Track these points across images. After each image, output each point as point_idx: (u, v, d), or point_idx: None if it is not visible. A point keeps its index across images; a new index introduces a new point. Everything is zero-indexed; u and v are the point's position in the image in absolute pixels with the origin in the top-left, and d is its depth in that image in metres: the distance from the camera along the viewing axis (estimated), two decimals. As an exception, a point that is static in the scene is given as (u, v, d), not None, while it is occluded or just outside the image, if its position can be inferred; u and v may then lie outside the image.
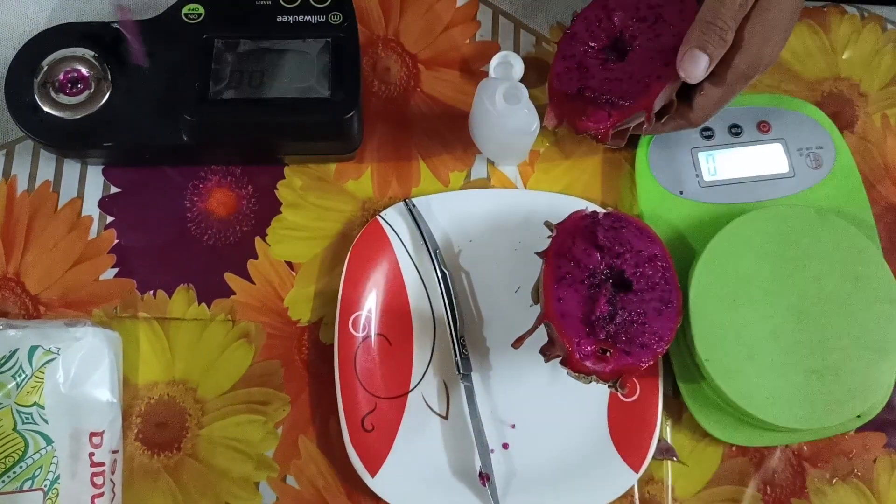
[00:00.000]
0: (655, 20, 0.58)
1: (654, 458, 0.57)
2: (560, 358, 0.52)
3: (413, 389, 0.59)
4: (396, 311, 0.60)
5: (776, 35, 0.54)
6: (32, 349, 0.52)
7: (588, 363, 0.51)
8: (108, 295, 0.60)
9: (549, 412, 0.59)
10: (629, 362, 0.51)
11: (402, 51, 0.67)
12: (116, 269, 0.61)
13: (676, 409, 0.60)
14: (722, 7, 0.52)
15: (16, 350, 0.52)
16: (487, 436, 0.57)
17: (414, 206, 0.61)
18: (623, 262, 0.54)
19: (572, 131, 0.59)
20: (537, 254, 0.55)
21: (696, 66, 0.53)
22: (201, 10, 0.61)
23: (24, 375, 0.52)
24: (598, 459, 0.58)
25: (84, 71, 0.60)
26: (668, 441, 0.59)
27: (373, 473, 0.56)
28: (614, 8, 0.60)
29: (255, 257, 0.62)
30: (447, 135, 0.65)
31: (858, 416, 0.57)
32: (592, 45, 0.60)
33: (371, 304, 0.60)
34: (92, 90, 0.59)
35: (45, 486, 0.51)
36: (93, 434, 0.53)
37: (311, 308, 0.61)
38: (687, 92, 0.58)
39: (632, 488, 0.58)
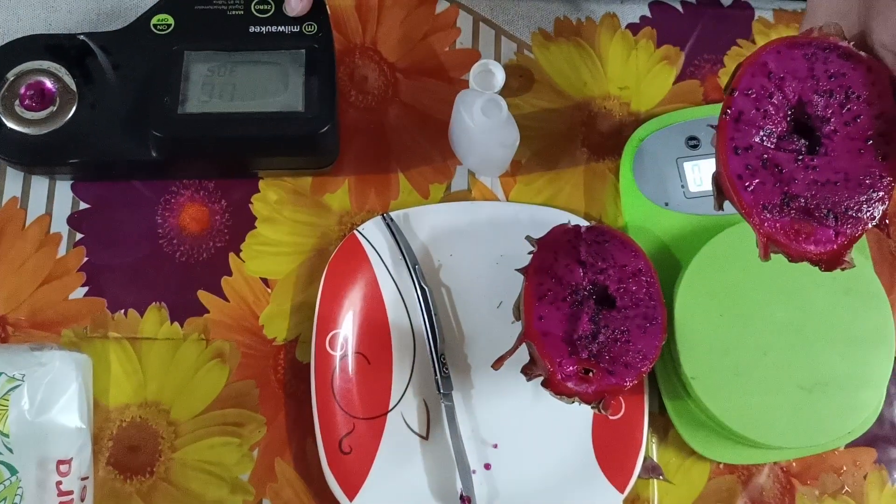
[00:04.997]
0: (846, 96, 0.43)
1: (639, 477, 0.57)
2: (542, 378, 0.51)
3: (392, 409, 0.57)
4: (375, 329, 0.59)
5: None
6: (-5, 376, 0.51)
7: (570, 384, 0.50)
8: (78, 315, 0.59)
9: (532, 431, 0.58)
10: (612, 382, 0.50)
11: (380, 59, 0.66)
12: (86, 288, 0.59)
13: (663, 426, 0.59)
14: None
15: (-22, 377, 0.51)
16: (469, 456, 0.56)
17: (392, 220, 0.60)
18: (606, 278, 0.53)
19: (785, 256, 0.44)
20: (518, 270, 0.54)
21: None
22: (171, 20, 0.59)
23: (-14, 404, 0.50)
24: (582, 479, 0.57)
25: (49, 84, 0.58)
26: (654, 459, 0.58)
27: (351, 497, 0.54)
28: (782, 75, 0.43)
29: (230, 274, 0.60)
30: (427, 146, 0.64)
31: (848, 433, 0.56)
32: (771, 129, 0.43)
33: (349, 322, 0.58)
34: (57, 105, 0.57)
35: (11, 517, 0.50)
36: (60, 462, 0.51)
37: (287, 326, 0.59)
38: None
39: (617, 509, 0.56)
